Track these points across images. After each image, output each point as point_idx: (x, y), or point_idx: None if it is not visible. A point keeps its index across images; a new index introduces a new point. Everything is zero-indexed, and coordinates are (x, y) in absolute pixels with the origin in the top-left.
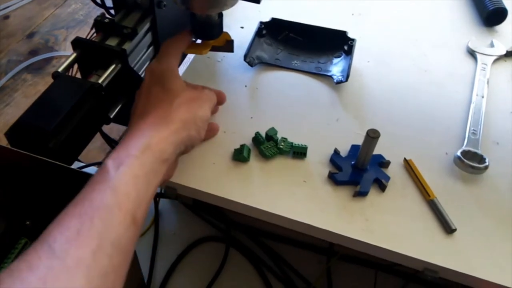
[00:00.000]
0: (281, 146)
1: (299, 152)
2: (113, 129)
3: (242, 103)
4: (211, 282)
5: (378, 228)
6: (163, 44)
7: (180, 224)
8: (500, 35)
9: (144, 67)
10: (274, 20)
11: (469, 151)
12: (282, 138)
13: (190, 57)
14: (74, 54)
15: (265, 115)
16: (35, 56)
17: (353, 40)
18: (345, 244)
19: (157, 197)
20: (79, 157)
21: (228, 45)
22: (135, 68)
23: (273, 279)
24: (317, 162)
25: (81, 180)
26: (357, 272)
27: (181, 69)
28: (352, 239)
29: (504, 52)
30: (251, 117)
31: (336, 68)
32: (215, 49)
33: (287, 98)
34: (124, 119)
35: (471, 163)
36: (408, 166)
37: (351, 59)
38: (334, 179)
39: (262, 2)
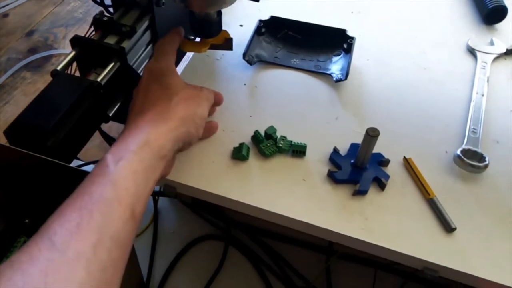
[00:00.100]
0: (280, 145)
1: (299, 151)
2: (112, 128)
3: (241, 102)
4: (210, 281)
5: (378, 227)
6: (158, 43)
7: (179, 222)
8: (500, 33)
9: (143, 65)
10: (273, 18)
11: (469, 150)
12: (281, 136)
13: (189, 55)
14: (73, 52)
15: (264, 114)
16: (34, 54)
17: (352, 38)
18: (344, 243)
19: (156, 195)
20: (78, 156)
21: (227, 43)
22: (134, 66)
23: (272, 277)
24: (316, 161)
25: (80, 179)
26: (357, 271)
27: (180, 67)
28: (352, 238)
29: (504, 50)
30: (250, 116)
31: (335, 66)
32: (214, 47)
33: (286, 96)
34: (123, 117)
35: (471, 161)
36: (408, 164)
37: (350, 57)
38: (333, 177)
39: (261, 0)
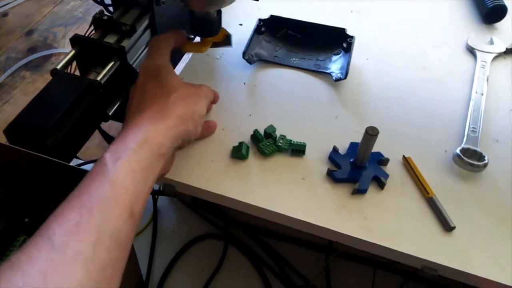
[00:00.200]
0: (279, 144)
1: (298, 150)
2: (112, 127)
3: (240, 101)
4: (209, 280)
5: (377, 226)
6: (152, 41)
7: (179, 221)
8: (500, 33)
9: None
10: (273, 18)
11: (468, 149)
12: (281, 135)
13: (188, 54)
14: (73, 52)
15: (264, 113)
16: (33, 53)
17: (352, 37)
18: (343, 242)
19: (156, 194)
20: (77, 155)
21: (226, 40)
22: (134, 65)
23: (272, 276)
24: (315, 160)
25: (79, 178)
26: (356, 270)
27: (180, 67)
28: (351, 237)
29: (503, 50)
30: (250, 115)
31: (335, 65)
32: (214, 45)
33: (286, 95)
34: (123, 116)
35: (470, 160)
36: (407, 163)
37: (350, 56)
38: (333, 176)
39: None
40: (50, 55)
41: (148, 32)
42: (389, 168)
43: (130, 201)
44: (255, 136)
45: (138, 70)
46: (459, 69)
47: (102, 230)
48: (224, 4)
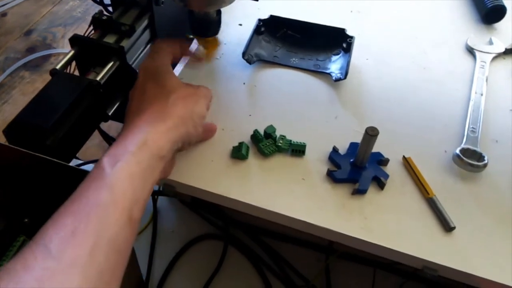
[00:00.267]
0: (279, 144)
1: (298, 150)
2: (111, 127)
3: (240, 101)
4: (209, 280)
5: (377, 226)
6: (155, 43)
7: (179, 221)
8: (499, 33)
9: None
10: (272, 18)
11: (468, 149)
12: (281, 135)
13: None
14: (72, 52)
15: (264, 113)
16: (32, 53)
17: (352, 37)
18: (343, 242)
19: (156, 194)
20: (77, 155)
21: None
22: (133, 65)
23: (272, 277)
24: (315, 160)
25: (79, 178)
26: (356, 270)
27: (179, 67)
28: (351, 237)
29: (503, 50)
30: (250, 115)
31: (334, 65)
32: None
33: (286, 95)
34: (122, 116)
35: (470, 161)
36: (407, 164)
37: (349, 56)
38: (332, 177)
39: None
40: (49, 55)
41: (147, 32)
42: (389, 168)
43: (129, 205)
44: (255, 136)
45: (137, 70)
46: (458, 69)
47: (99, 236)
48: (224, 4)
